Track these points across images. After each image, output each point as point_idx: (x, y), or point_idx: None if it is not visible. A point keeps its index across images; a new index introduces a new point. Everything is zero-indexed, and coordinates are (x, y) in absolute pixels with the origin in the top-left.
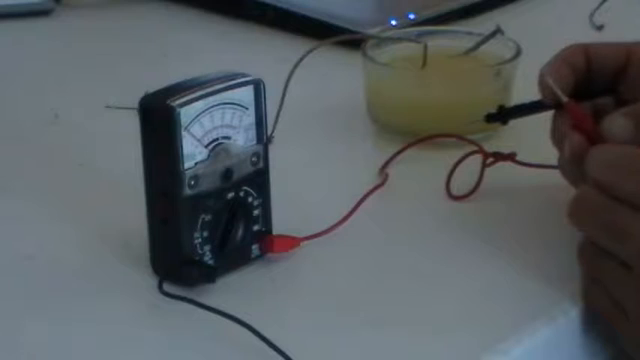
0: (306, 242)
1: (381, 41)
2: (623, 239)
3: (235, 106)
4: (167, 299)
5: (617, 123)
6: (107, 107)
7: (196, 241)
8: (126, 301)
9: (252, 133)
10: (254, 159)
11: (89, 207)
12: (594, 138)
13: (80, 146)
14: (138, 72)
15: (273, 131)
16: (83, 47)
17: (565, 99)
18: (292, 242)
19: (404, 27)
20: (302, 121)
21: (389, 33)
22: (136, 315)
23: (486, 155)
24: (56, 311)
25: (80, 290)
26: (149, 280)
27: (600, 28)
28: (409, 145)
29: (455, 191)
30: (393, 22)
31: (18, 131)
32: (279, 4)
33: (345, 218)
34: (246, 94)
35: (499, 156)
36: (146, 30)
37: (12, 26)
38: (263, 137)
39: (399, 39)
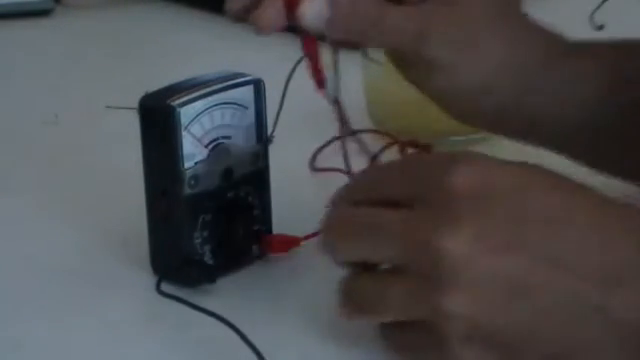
0: (306, 242)
1: None
2: (379, 235)
3: (235, 106)
4: (167, 299)
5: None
6: (107, 107)
7: (196, 241)
8: (126, 301)
9: (252, 133)
10: (254, 159)
11: (89, 207)
12: None
13: (80, 146)
14: (138, 72)
15: (273, 131)
16: (83, 47)
17: None
18: (292, 242)
19: None
20: (302, 121)
21: None
22: (135, 315)
23: (402, 145)
24: (56, 311)
25: (80, 290)
26: (149, 280)
27: (600, 28)
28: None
29: None
30: None
31: (18, 131)
32: None
33: None
34: (246, 94)
35: (416, 146)
36: (146, 30)
37: (12, 26)
38: (263, 137)
39: None
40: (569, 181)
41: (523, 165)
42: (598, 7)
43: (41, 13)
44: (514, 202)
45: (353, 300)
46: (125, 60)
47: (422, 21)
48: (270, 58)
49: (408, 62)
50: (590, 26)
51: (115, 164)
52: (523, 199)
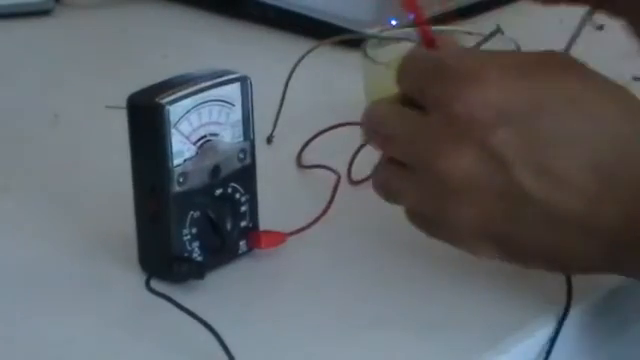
0: (293, 237)
1: (381, 41)
2: (394, 135)
3: (222, 103)
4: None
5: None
6: (107, 107)
7: (185, 238)
8: (127, 299)
9: (239, 130)
10: (241, 155)
11: (89, 207)
12: None
13: (80, 146)
14: (138, 72)
15: (273, 131)
16: (83, 47)
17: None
18: (279, 238)
19: (404, 27)
20: (302, 121)
21: (389, 33)
22: (125, 312)
23: None
24: (56, 310)
25: (81, 289)
26: (139, 277)
27: (600, 28)
28: None
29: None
30: (393, 22)
31: (18, 131)
32: (279, 4)
33: (325, 210)
34: (233, 91)
35: None
36: (146, 30)
37: (12, 26)
38: (249, 133)
39: (399, 39)
40: (587, 91)
41: (537, 81)
42: None
43: (41, 13)
44: (528, 126)
45: (379, 186)
46: (125, 60)
47: None
48: (270, 58)
49: None
50: (590, 26)
51: (114, 164)
52: (537, 122)
